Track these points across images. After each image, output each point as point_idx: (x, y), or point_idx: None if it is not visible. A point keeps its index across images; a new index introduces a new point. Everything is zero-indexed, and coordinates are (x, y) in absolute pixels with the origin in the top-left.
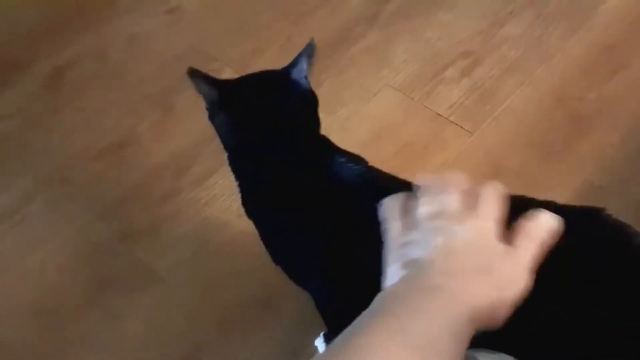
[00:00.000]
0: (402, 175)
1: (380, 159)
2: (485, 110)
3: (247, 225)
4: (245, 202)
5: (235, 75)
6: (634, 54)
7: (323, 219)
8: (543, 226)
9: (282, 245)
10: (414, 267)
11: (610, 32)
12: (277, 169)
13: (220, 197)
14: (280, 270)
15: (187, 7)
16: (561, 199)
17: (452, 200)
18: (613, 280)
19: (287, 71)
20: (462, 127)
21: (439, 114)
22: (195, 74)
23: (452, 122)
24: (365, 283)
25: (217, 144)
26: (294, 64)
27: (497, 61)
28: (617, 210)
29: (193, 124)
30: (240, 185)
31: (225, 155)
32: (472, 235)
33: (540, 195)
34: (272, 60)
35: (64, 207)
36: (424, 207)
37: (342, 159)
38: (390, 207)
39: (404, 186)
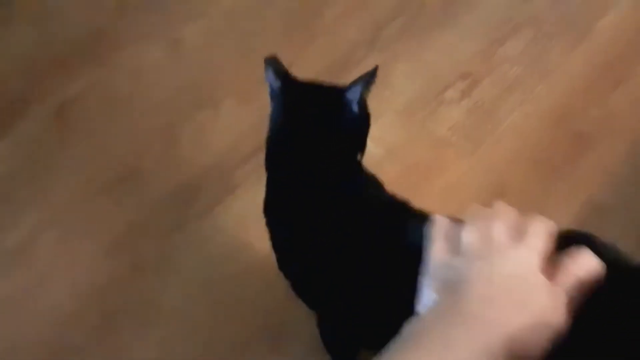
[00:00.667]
0: (408, 196)
1: (385, 181)
2: (487, 129)
3: (253, 256)
4: (266, 201)
5: (237, 106)
6: (634, 69)
7: (336, 239)
8: (583, 266)
9: (291, 255)
10: (450, 291)
11: (609, 48)
12: (302, 176)
13: (225, 229)
14: (287, 291)
15: (189, 39)
16: (565, 217)
17: (498, 230)
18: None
19: (343, 90)
20: (464, 148)
21: (441, 135)
22: (269, 62)
23: (454, 142)
24: (372, 311)
25: (220, 175)
26: (350, 85)
27: (497, 80)
28: (621, 228)
29: (197, 156)
30: (267, 180)
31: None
32: (514, 266)
33: (544, 214)
34: None
35: (73, 243)
36: (469, 234)
37: (362, 182)
38: (437, 227)
39: (416, 214)
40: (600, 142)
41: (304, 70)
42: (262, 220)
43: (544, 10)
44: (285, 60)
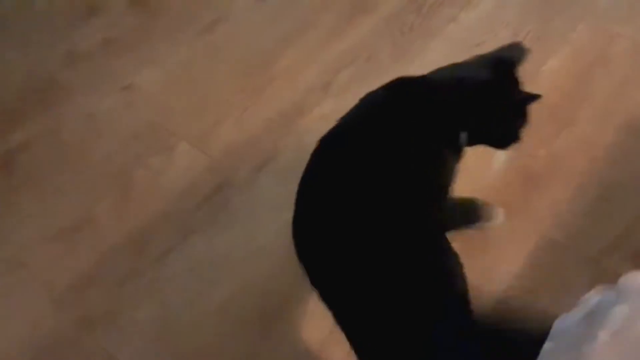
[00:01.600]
0: None
1: None
2: None
3: (209, 303)
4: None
5: (191, 150)
6: (577, 111)
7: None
8: None
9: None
10: None
11: (553, 91)
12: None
13: (180, 275)
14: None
15: (142, 85)
16: (522, 255)
17: None
18: None
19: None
20: None
21: None
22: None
23: None
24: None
25: (174, 221)
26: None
27: None
28: (575, 264)
29: (151, 202)
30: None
31: None
32: None
33: (502, 253)
34: (230, 132)
35: (20, 294)
36: None
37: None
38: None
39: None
40: (551, 182)
41: (258, 114)
42: (217, 266)
43: None
44: (240, 105)
